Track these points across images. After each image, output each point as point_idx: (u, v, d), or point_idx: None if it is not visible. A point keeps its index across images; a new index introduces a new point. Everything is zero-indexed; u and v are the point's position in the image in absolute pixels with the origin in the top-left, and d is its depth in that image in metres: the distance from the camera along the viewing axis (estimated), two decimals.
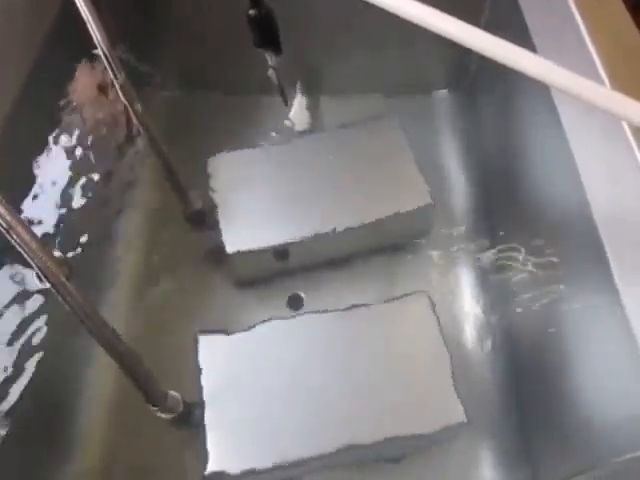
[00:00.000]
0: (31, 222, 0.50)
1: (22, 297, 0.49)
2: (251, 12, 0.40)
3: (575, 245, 0.44)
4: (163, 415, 0.49)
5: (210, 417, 0.49)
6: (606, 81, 0.36)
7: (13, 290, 0.49)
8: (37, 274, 0.34)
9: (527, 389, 0.54)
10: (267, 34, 0.41)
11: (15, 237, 0.32)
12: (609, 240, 0.37)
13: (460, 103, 0.75)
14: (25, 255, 0.33)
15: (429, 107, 0.76)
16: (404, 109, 0.71)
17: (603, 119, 0.38)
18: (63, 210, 0.55)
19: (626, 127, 0.38)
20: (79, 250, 0.57)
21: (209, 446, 0.48)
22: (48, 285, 0.35)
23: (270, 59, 0.45)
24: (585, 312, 0.43)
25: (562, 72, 0.26)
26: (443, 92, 0.77)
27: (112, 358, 0.40)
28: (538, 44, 0.48)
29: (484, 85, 0.69)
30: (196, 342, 0.53)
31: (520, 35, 0.51)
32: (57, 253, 0.51)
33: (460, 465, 0.53)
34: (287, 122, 0.73)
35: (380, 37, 0.67)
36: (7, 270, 0.48)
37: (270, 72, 0.47)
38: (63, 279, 0.35)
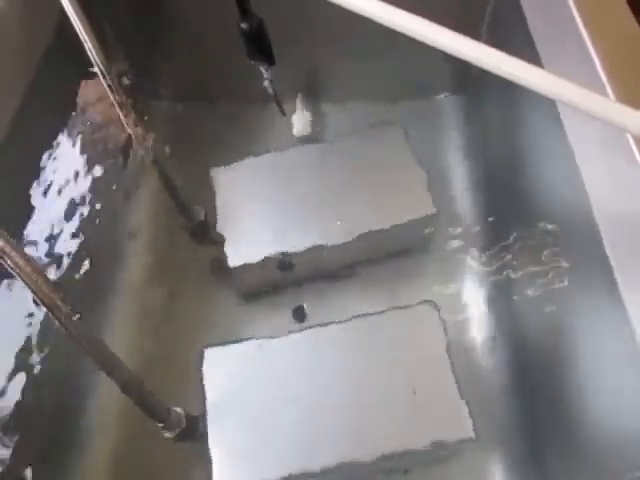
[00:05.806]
0: (33, 242, 0.50)
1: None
2: (243, 25, 0.39)
3: (580, 252, 0.43)
4: (167, 433, 0.49)
5: (214, 432, 0.49)
6: (608, 87, 0.35)
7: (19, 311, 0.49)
8: (33, 298, 0.34)
9: (536, 403, 0.53)
10: (259, 46, 0.40)
11: (9, 262, 0.32)
12: (613, 249, 0.36)
13: (463, 109, 0.74)
14: (20, 279, 0.33)
15: (432, 113, 0.75)
16: (407, 115, 0.71)
17: (606, 125, 0.37)
18: (66, 228, 0.55)
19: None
20: (83, 267, 0.57)
21: (213, 462, 0.47)
22: (44, 309, 0.35)
23: (264, 71, 0.44)
24: (594, 324, 0.41)
25: (560, 82, 0.25)
26: (446, 98, 0.76)
27: (112, 379, 0.40)
28: (540, 49, 0.47)
29: (488, 90, 0.68)
30: (201, 356, 0.53)
31: (523, 40, 0.50)
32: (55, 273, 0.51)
33: None
34: (289, 131, 0.73)
35: (381, 43, 0.66)
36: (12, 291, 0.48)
37: (266, 83, 0.47)
38: (59, 303, 0.35)
